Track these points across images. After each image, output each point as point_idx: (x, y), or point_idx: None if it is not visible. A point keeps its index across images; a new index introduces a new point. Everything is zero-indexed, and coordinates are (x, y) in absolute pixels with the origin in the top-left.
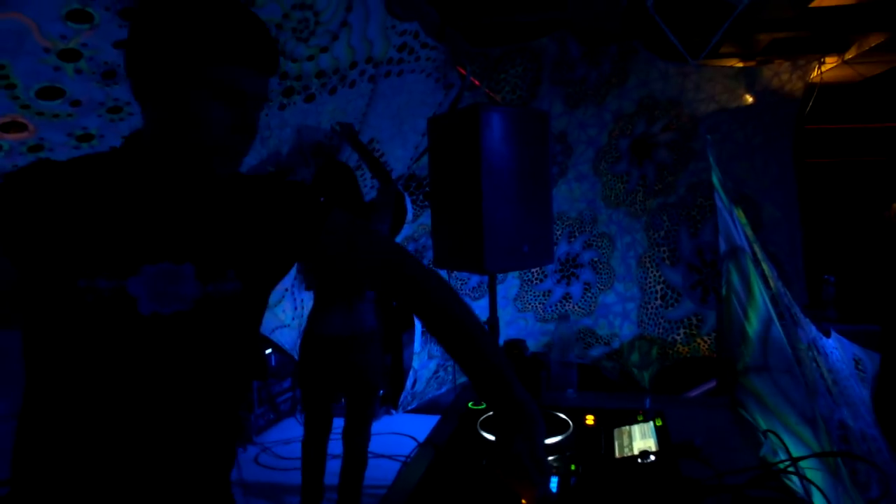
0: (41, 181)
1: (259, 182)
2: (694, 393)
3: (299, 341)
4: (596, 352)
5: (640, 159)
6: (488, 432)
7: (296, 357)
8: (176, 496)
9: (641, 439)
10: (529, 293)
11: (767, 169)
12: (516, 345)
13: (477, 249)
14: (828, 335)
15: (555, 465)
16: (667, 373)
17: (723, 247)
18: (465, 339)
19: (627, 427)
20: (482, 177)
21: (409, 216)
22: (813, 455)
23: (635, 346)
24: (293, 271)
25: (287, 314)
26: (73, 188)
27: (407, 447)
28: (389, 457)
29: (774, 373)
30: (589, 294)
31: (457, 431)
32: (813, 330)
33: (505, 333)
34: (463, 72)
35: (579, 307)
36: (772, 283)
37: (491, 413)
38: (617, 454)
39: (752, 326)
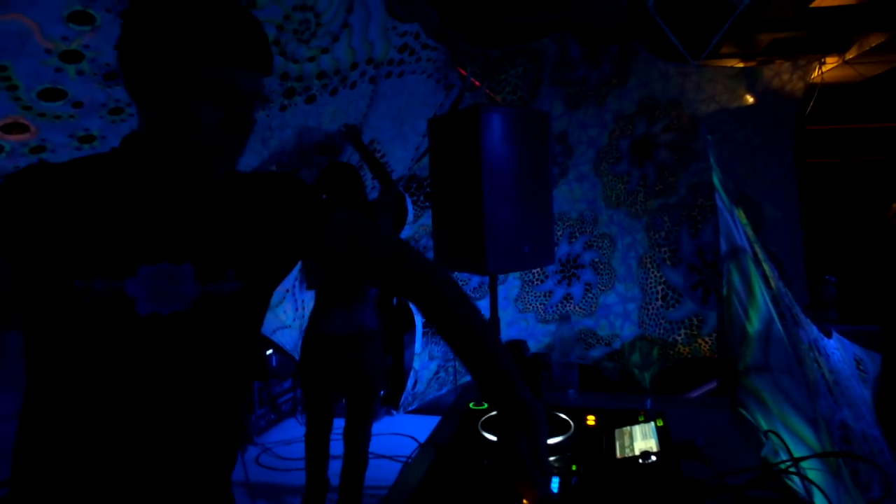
0: (38, 183)
1: (259, 180)
2: (695, 394)
3: (300, 342)
4: (597, 352)
5: (640, 160)
6: (490, 433)
7: (297, 358)
8: (176, 497)
9: (642, 440)
10: (530, 294)
11: (768, 169)
12: (517, 345)
13: (478, 250)
14: (829, 335)
15: (556, 465)
16: (668, 373)
17: (724, 247)
18: (470, 336)
19: (628, 427)
20: (483, 177)
21: (410, 217)
22: (814, 455)
23: (636, 346)
24: (294, 272)
25: (288, 315)
26: (70, 190)
27: (408, 448)
28: (390, 457)
29: (775, 373)
30: (590, 295)
31: (458, 432)
32: (814, 330)
33: (506, 334)
34: (463, 73)
35: (580, 308)
36: (773, 284)
37: (492, 414)
38: (618, 454)
39: (754, 326)
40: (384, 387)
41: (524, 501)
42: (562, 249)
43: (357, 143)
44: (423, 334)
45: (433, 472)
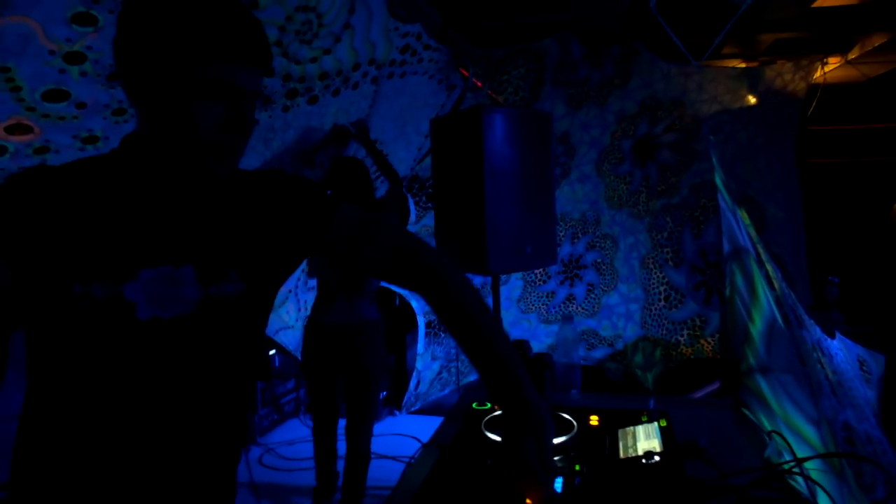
0: (36, 186)
1: (261, 178)
2: (698, 394)
3: (303, 338)
4: (599, 353)
5: (642, 160)
6: (493, 432)
7: (299, 358)
8: (180, 499)
9: (646, 440)
10: (533, 294)
11: (770, 169)
12: (520, 345)
13: (480, 251)
14: (832, 336)
15: (560, 465)
16: (670, 374)
17: (726, 247)
18: (478, 333)
19: (632, 427)
20: (485, 178)
21: (413, 217)
22: (818, 456)
23: (639, 347)
24: (297, 272)
25: (291, 315)
26: (68, 192)
27: (410, 448)
28: (393, 458)
29: (778, 373)
30: (592, 295)
31: (461, 432)
32: (817, 331)
33: (509, 335)
34: (465, 73)
35: (583, 308)
36: (776, 284)
37: (496, 413)
38: (621, 454)
39: (756, 327)
40: (386, 387)
41: (528, 501)
42: (564, 250)
43: (365, 141)
44: (426, 335)
45: (436, 472)
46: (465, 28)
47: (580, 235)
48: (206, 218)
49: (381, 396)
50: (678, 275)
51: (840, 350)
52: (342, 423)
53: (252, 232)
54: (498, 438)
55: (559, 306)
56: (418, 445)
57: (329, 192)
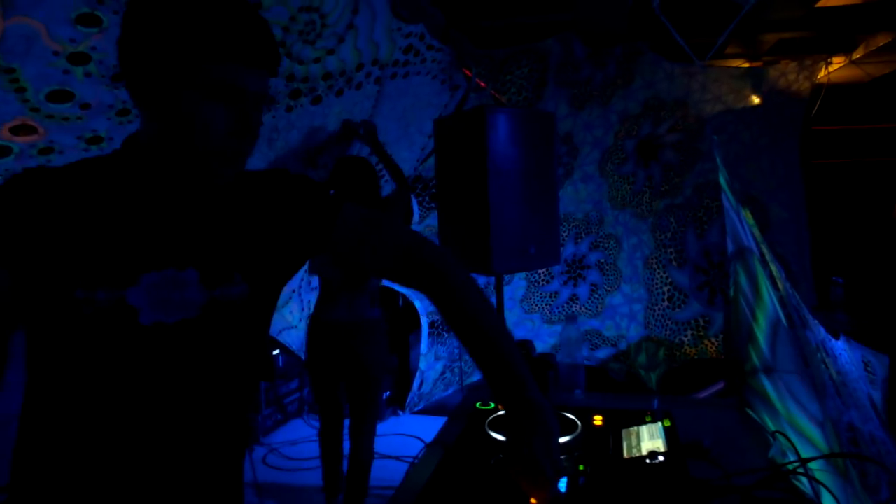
0: (35, 188)
1: (263, 178)
2: (702, 395)
3: (306, 336)
4: (602, 353)
5: (646, 160)
6: (497, 432)
7: (303, 357)
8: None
9: (650, 440)
10: (536, 294)
11: (774, 170)
12: (524, 345)
13: (484, 251)
14: (836, 337)
15: (565, 464)
16: (674, 375)
17: (730, 247)
18: (482, 333)
19: (636, 428)
20: (489, 178)
21: (416, 218)
22: (822, 456)
23: (642, 347)
24: (301, 272)
25: (294, 315)
26: (68, 194)
27: (414, 448)
28: (396, 458)
29: (783, 374)
30: (596, 295)
31: (465, 431)
32: (821, 331)
33: (512, 335)
34: (468, 73)
35: (586, 308)
36: (780, 284)
37: (500, 413)
38: (625, 454)
39: (761, 327)
40: (389, 387)
41: (532, 501)
42: (567, 250)
43: (374, 142)
44: (429, 335)
45: (440, 472)
46: (468, 28)
47: (583, 235)
48: (209, 220)
49: (384, 396)
50: (682, 275)
51: (844, 351)
52: (347, 423)
53: (256, 233)
54: (502, 438)
55: (563, 306)
56: (422, 445)
57: (333, 191)
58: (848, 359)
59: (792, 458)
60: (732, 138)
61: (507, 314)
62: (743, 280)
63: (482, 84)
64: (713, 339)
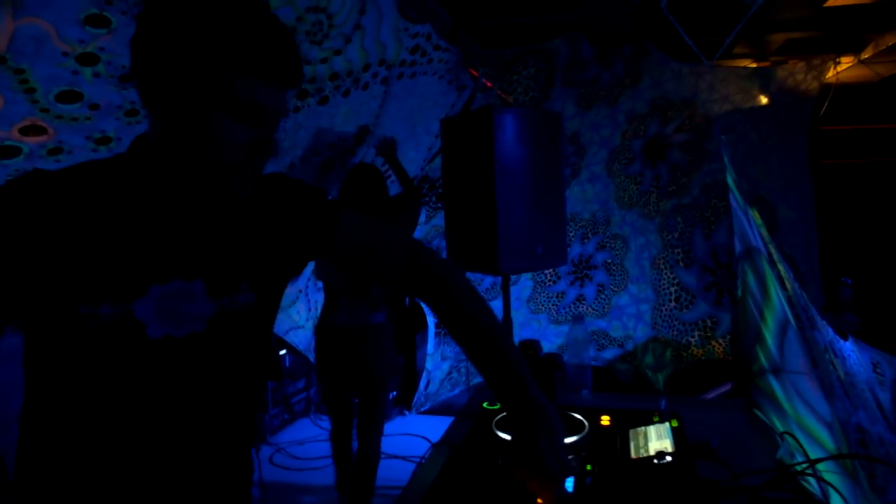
0: (34, 194)
1: (263, 185)
2: (710, 395)
3: (314, 339)
4: (609, 354)
5: (653, 160)
6: (504, 432)
7: (310, 357)
8: None
9: (657, 440)
10: (543, 295)
11: (782, 170)
12: (531, 345)
13: (491, 251)
14: (845, 338)
15: (573, 464)
16: (681, 375)
17: (738, 248)
18: (482, 337)
19: (643, 428)
20: (496, 178)
21: (423, 218)
22: (831, 457)
23: (649, 348)
24: (307, 272)
25: (301, 315)
26: (69, 201)
27: (420, 448)
28: (403, 457)
29: (791, 374)
30: (602, 296)
31: (472, 431)
32: (830, 332)
33: (519, 335)
34: (475, 73)
35: (593, 309)
36: (788, 285)
37: (506, 413)
38: (633, 454)
39: (769, 328)
40: (396, 387)
41: (539, 501)
42: (574, 250)
43: (391, 159)
44: (436, 335)
45: (447, 472)
46: (475, 28)
47: (590, 236)
48: (213, 229)
49: (390, 397)
50: (689, 275)
51: (853, 352)
52: (355, 422)
53: (259, 241)
54: (509, 438)
55: (569, 307)
56: (428, 445)
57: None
58: (856, 360)
59: (800, 458)
60: (740, 138)
61: (513, 314)
62: (751, 280)
63: (489, 84)
64: (720, 340)
